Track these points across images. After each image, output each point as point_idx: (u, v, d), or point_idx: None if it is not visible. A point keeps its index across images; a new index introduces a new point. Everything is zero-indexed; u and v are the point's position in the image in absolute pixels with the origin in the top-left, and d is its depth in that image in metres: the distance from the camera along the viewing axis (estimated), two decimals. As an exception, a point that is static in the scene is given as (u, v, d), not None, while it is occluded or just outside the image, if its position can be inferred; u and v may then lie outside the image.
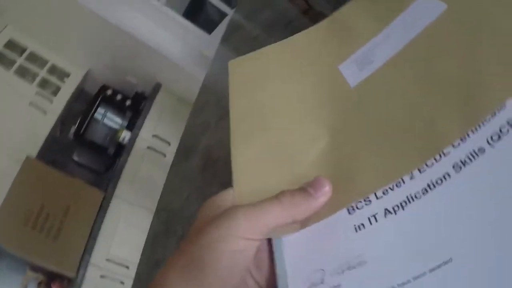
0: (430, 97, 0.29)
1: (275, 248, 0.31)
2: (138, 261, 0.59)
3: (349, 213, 0.29)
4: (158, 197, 0.71)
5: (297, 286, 0.28)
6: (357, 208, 0.29)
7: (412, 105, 0.30)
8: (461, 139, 0.26)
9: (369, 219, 0.28)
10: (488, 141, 0.25)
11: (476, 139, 0.25)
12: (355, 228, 0.28)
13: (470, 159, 0.25)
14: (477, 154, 0.25)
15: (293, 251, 0.30)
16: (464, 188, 0.25)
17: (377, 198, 0.29)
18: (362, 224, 0.28)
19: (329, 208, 0.30)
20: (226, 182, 0.33)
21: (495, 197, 0.23)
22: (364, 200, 0.29)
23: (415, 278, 0.23)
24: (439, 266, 0.23)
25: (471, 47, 0.28)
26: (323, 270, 0.27)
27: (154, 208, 0.73)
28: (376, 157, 0.30)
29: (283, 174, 0.33)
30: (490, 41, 0.28)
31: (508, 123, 0.24)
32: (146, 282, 0.49)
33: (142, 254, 0.58)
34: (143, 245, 0.62)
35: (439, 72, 0.30)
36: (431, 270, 0.23)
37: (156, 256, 0.53)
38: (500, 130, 0.24)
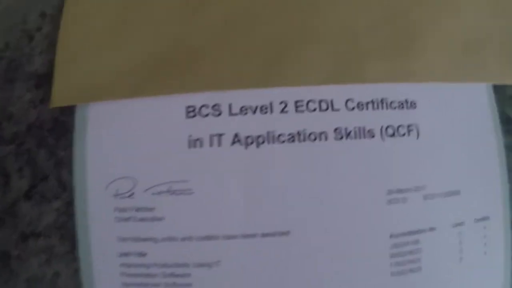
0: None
1: (76, 123, 0.22)
2: None
3: (187, 115, 0.21)
4: None
5: (98, 190, 0.21)
6: (199, 113, 0.21)
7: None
8: (352, 107, 0.22)
9: (211, 137, 0.21)
10: (381, 130, 0.21)
11: (369, 119, 0.21)
12: (189, 142, 0.21)
13: (357, 134, 0.21)
14: (364, 135, 0.21)
15: (102, 133, 0.22)
16: (337, 160, 0.21)
17: (230, 112, 0.21)
18: (200, 141, 0.21)
19: (159, 85, 0.21)
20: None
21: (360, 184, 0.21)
22: (213, 107, 0.21)
23: (245, 236, 0.21)
24: (273, 235, 0.21)
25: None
26: (134, 178, 0.21)
27: None
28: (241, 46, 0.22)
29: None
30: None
31: (408, 127, 0.22)
32: None
33: None
34: None
35: None
36: (264, 235, 0.21)
37: None
38: (398, 128, 0.21)
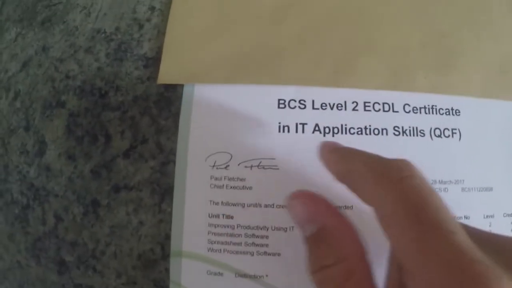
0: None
1: (183, 100, 0.26)
2: None
3: (279, 106, 0.26)
4: None
5: (198, 160, 0.26)
6: (288, 106, 0.26)
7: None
8: (408, 111, 0.26)
9: (296, 125, 0.26)
10: (430, 130, 0.25)
11: (421, 121, 0.26)
12: (279, 128, 0.26)
13: (411, 133, 0.25)
14: (416, 133, 0.25)
15: (204, 112, 0.26)
16: (394, 151, 0.25)
17: (313, 107, 0.26)
18: (288, 127, 0.26)
19: (247, 77, 0.26)
20: None
21: None
22: (299, 101, 0.26)
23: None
24: (341, 207, 0.25)
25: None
26: (230, 154, 0.26)
27: None
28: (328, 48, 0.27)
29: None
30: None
31: (452, 130, 0.26)
32: None
33: None
34: None
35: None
36: (339, 207, 0.24)
37: None
38: (444, 131, 0.26)
